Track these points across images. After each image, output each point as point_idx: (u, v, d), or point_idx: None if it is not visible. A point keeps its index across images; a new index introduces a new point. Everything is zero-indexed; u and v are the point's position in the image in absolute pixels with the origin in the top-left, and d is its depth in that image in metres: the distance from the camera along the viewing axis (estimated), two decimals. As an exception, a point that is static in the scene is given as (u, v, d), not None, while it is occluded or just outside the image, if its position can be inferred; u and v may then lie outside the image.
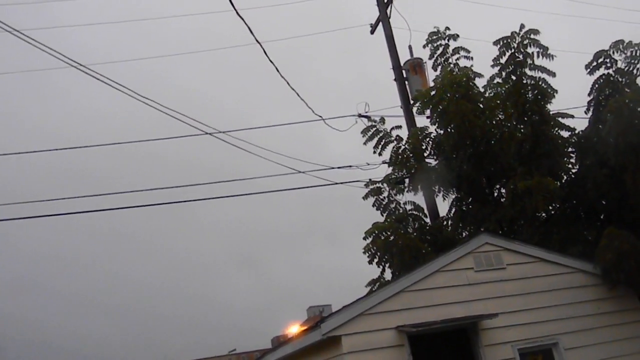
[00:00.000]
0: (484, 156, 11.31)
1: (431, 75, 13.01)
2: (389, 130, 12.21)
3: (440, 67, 12.56)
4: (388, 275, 11.03)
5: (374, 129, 12.19)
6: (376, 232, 10.99)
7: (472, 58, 12.29)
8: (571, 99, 12.29)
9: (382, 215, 11.88)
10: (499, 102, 11.61)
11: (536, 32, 11.21)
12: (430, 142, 12.19)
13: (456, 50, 12.40)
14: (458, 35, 12.47)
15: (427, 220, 12.01)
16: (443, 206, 12.36)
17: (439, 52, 12.60)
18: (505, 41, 11.37)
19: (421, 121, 12.81)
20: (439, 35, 12.54)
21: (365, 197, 11.91)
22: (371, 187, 11.92)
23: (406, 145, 12.03)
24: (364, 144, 12.22)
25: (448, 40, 12.50)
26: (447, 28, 12.53)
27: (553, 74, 11.18)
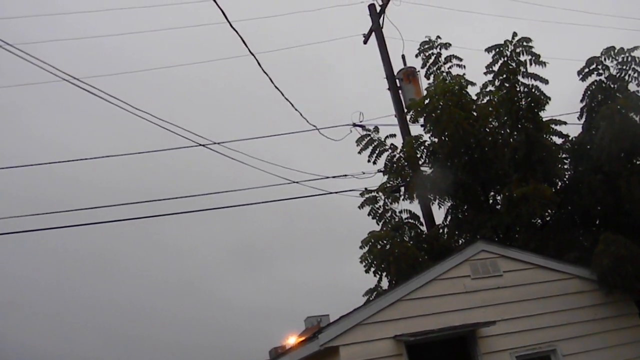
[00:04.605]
0: (479, 163, 11.33)
1: (424, 83, 13.08)
2: (383, 139, 12.25)
3: (432, 75, 12.62)
4: (385, 284, 11.00)
5: (368, 138, 12.22)
6: (372, 241, 10.96)
7: (464, 66, 12.38)
8: (564, 105, 12.36)
9: (378, 224, 11.84)
10: (491, 109, 11.67)
11: (528, 40, 11.27)
12: (425, 150, 12.21)
13: (448, 58, 12.50)
14: (450, 44, 12.58)
15: (423, 228, 12.00)
16: (439, 214, 12.37)
17: (431, 60, 12.67)
18: (498, 49, 11.42)
19: (416, 130, 12.86)
20: (431, 44, 12.63)
21: (361, 206, 11.89)
22: (367, 196, 11.91)
23: (401, 154, 12.06)
24: (359, 152, 12.22)
25: (440, 49, 12.59)
26: (439, 37, 12.64)
27: (546, 82, 11.23)
